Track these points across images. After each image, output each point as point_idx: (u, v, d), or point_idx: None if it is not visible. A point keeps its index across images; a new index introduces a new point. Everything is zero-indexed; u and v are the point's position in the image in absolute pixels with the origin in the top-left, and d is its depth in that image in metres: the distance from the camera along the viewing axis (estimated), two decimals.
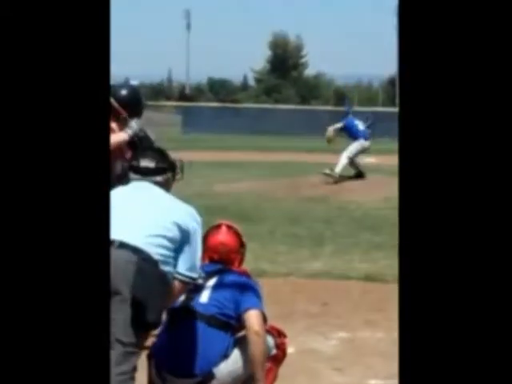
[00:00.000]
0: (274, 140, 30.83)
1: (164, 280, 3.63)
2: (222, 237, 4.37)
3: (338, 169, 14.53)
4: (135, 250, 3.51)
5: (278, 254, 8.74)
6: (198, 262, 3.84)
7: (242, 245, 4.43)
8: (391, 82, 62.03)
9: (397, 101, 55.81)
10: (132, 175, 3.95)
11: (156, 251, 3.58)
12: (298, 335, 5.60)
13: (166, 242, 3.63)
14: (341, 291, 7.19)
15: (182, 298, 4.06)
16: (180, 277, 3.74)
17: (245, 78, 74.23)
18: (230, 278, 4.21)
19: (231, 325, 4.04)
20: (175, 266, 3.71)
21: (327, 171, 14.55)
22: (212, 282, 4.17)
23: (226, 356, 4.00)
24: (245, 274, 4.34)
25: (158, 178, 3.92)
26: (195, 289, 4.05)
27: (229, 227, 4.43)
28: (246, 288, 4.15)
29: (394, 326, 5.97)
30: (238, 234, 4.42)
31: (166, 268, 3.64)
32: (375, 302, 6.82)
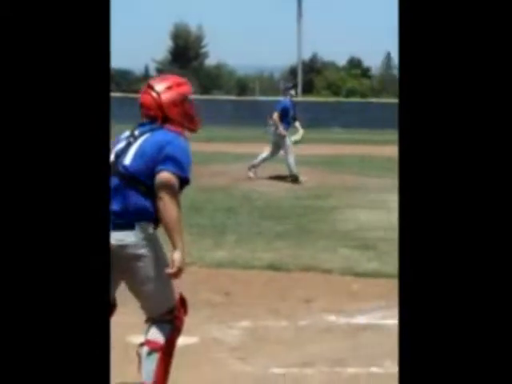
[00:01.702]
0: None
1: None
2: (141, 96, 4.18)
3: (294, 169, 14.47)
4: None
5: None
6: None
7: (159, 100, 4.07)
8: (292, 71, 62.63)
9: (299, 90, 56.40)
10: None
11: None
12: (201, 324, 5.57)
13: None
14: (244, 281, 7.19)
15: (112, 156, 3.97)
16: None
17: (146, 68, 73.73)
18: (155, 137, 4.03)
19: (151, 189, 3.92)
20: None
21: (298, 178, 14.37)
22: (139, 141, 4.04)
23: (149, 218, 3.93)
24: (175, 131, 4.10)
25: None
26: (125, 147, 4.01)
27: (148, 86, 4.16)
28: (168, 147, 3.96)
29: (297, 314, 6.06)
30: (151, 88, 4.12)
31: None
32: (278, 290, 6.85)
